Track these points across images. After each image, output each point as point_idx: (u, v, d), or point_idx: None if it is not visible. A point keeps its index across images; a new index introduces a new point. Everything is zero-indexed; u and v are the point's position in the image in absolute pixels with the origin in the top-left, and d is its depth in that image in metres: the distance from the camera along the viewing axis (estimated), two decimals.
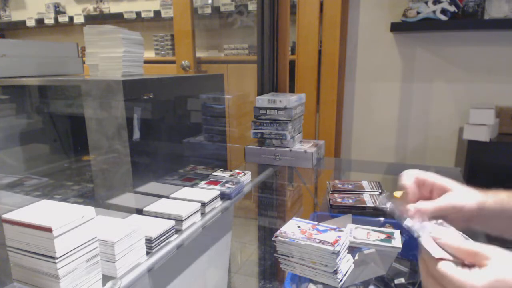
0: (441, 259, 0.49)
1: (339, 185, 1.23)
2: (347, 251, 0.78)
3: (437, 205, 0.62)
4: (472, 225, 0.65)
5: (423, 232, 0.56)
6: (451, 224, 0.61)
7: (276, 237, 0.77)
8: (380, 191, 1.19)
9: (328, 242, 0.73)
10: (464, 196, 0.64)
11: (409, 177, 0.67)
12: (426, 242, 0.52)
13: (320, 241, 0.74)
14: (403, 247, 0.80)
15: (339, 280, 0.72)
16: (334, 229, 0.80)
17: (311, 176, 1.59)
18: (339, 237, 0.76)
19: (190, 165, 1.27)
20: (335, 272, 0.72)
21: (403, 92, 2.37)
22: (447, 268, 0.47)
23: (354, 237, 0.83)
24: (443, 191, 0.65)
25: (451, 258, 0.49)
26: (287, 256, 0.77)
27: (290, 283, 0.80)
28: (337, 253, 0.71)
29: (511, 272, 0.45)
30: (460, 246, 0.49)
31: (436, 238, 0.52)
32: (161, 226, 0.82)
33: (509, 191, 0.65)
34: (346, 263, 0.76)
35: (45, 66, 1.37)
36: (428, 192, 0.67)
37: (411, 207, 0.63)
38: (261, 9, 1.69)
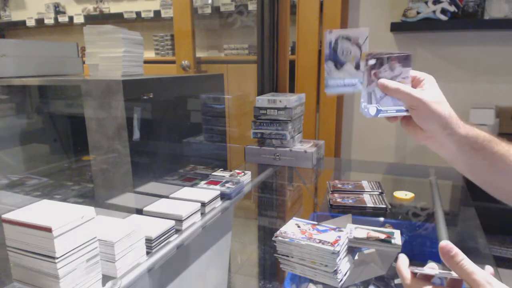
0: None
1: (339, 185, 1.24)
2: (347, 251, 0.78)
3: (409, 92, 0.67)
4: (431, 139, 0.70)
5: None
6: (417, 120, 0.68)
7: (276, 237, 0.77)
8: (380, 191, 1.19)
9: (328, 242, 0.73)
10: (439, 99, 0.69)
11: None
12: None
13: (320, 241, 0.74)
14: (403, 247, 0.80)
15: (339, 280, 0.72)
16: (334, 229, 0.80)
17: (311, 176, 1.59)
18: (339, 237, 0.76)
19: (190, 165, 1.27)
20: (335, 272, 0.72)
21: None
22: None
23: (354, 237, 0.83)
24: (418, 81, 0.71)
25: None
26: (287, 256, 0.77)
27: (290, 283, 0.80)
28: (337, 253, 0.72)
29: None
30: (461, 261, 0.49)
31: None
32: (161, 226, 0.82)
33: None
34: (346, 263, 0.76)
35: (45, 66, 1.37)
36: None
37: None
38: (261, 9, 1.69)
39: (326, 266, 0.72)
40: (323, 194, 1.34)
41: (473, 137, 0.66)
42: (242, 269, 1.32)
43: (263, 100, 1.48)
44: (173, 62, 3.00)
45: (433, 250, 0.89)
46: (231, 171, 1.21)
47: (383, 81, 0.69)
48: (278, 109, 1.46)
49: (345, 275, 0.75)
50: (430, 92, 0.68)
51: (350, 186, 1.22)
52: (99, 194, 1.06)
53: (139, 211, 0.92)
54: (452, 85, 2.26)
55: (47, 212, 0.63)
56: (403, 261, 0.56)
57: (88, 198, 1.18)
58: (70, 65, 1.48)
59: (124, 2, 3.55)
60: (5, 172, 1.28)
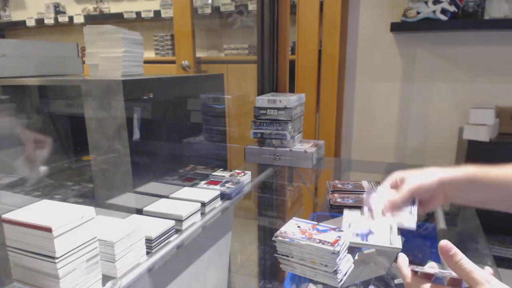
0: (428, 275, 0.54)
1: (339, 185, 1.24)
2: (347, 251, 0.78)
3: (400, 195, 0.74)
4: (448, 198, 0.74)
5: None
6: (429, 204, 0.76)
7: (276, 237, 0.77)
8: None
9: (328, 242, 0.73)
10: (420, 176, 0.74)
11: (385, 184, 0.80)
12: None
13: (320, 241, 0.74)
14: (403, 247, 0.80)
15: (339, 280, 0.72)
16: (334, 229, 0.80)
17: (311, 176, 1.59)
18: (339, 237, 0.76)
19: (190, 165, 1.27)
20: (335, 272, 0.72)
21: (403, 92, 2.37)
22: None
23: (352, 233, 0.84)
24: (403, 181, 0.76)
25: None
26: (287, 256, 0.77)
27: (290, 283, 0.80)
28: (337, 253, 0.72)
29: None
30: (460, 260, 0.50)
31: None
32: (161, 226, 0.82)
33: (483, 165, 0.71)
34: (346, 263, 0.76)
35: (45, 66, 1.37)
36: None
37: (382, 201, 0.76)
38: (261, 9, 1.69)
39: (326, 266, 0.72)
40: (323, 194, 1.33)
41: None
42: (242, 269, 1.32)
43: (263, 100, 1.48)
44: (173, 62, 3.00)
45: (433, 250, 0.89)
46: (231, 171, 1.21)
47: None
48: (278, 109, 1.46)
49: (345, 275, 0.75)
50: None
51: (350, 186, 1.22)
52: (99, 194, 1.06)
53: (139, 211, 0.92)
54: (452, 85, 2.26)
55: (47, 212, 0.63)
56: (403, 260, 0.57)
57: (88, 198, 1.18)
58: (70, 65, 1.48)
59: (124, 2, 3.55)
60: (5, 172, 1.28)
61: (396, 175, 0.79)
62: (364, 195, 0.82)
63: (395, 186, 0.78)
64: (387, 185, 0.79)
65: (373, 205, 0.77)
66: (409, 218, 0.76)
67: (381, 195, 0.78)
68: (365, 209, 0.80)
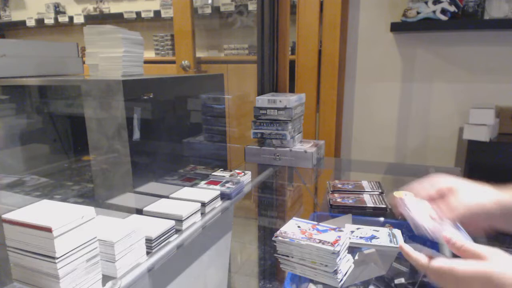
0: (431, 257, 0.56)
1: (339, 185, 1.24)
2: (347, 251, 0.78)
3: (455, 215, 0.63)
4: (494, 225, 0.64)
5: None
6: (473, 226, 0.64)
7: (276, 237, 0.77)
8: (380, 191, 1.19)
9: (328, 242, 0.73)
10: (474, 193, 0.64)
11: (432, 187, 0.70)
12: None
13: (320, 241, 0.74)
14: None
15: (339, 280, 0.72)
16: (334, 229, 0.80)
17: (311, 176, 1.59)
18: (339, 237, 0.76)
19: (190, 165, 1.27)
20: (335, 272, 0.72)
21: (403, 92, 2.37)
22: (440, 262, 0.54)
23: (355, 236, 0.83)
24: (449, 191, 0.67)
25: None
26: (287, 256, 0.77)
27: (290, 283, 0.80)
28: (337, 253, 0.72)
29: (503, 269, 0.47)
30: (463, 245, 0.55)
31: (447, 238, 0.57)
32: (161, 226, 0.82)
33: None
34: (346, 263, 0.76)
35: (45, 66, 1.37)
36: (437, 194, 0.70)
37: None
38: (261, 9, 1.69)
39: (326, 266, 0.72)
40: (323, 194, 1.33)
41: None
42: (242, 269, 1.32)
43: (263, 100, 1.48)
44: (173, 62, 3.00)
45: (434, 250, 0.88)
46: (231, 171, 1.21)
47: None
48: (278, 109, 1.46)
49: (345, 275, 0.75)
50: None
51: (350, 186, 1.22)
52: (99, 194, 1.06)
53: (139, 211, 0.92)
54: (452, 85, 2.26)
55: (47, 212, 0.63)
56: (408, 248, 0.60)
57: (88, 198, 1.18)
58: (70, 65, 1.48)
59: (124, 2, 3.55)
60: (5, 172, 1.28)
61: (441, 183, 0.68)
62: (406, 211, 0.68)
63: (439, 195, 0.68)
64: (428, 193, 0.68)
65: (423, 224, 0.64)
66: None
67: (424, 210, 0.66)
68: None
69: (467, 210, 0.62)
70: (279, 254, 0.78)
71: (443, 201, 0.67)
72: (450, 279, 0.51)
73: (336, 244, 0.73)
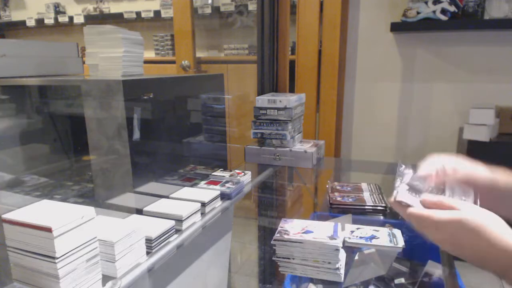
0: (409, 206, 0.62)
1: (338, 187, 1.23)
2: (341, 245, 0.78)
3: (456, 178, 0.69)
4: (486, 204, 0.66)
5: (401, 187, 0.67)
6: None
7: (275, 240, 0.77)
8: (379, 192, 1.19)
9: (329, 237, 0.74)
10: (474, 167, 0.70)
11: (430, 167, 0.73)
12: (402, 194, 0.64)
13: (321, 238, 0.74)
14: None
15: (342, 276, 0.73)
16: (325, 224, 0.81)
17: (311, 176, 1.59)
18: (335, 232, 0.76)
19: (190, 165, 1.27)
20: (338, 268, 0.73)
21: (403, 92, 2.37)
22: (420, 210, 0.60)
23: (355, 236, 0.83)
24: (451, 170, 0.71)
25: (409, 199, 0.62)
26: (288, 258, 0.77)
27: (290, 283, 0.80)
28: (339, 249, 0.72)
29: (472, 215, 0.55)
30: (437, 200, 0.60)
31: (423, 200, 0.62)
32: (161, 226, 0.82)
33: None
34: (343, 257, 0.77)
35: (45, 66, 1.37)
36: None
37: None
38: (261, 9, 1.69)
39: (329, 263, 0.73)
40: (323, 194, 1.34)
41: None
42: (242, 269, 1.32)
43: (263, 100, 1.48)
44: (173, 62, 3.00)
45: (433, 250, 0.89)
46: (231, 171, 1.21)
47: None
48: (278, 109, 1.46)
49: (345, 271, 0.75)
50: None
51: (349, 189, 1.22)
52: (99, 194, 1.06)
53: (139, 211, 0.92)
54: (452, 85, 2.26)
55: (47, 212, 0.63)
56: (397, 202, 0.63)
57: (88, 198, 1.18)
58: (70, 65, 1.48)
59: (124, 2, 3.55)
60: (5, 172, 1.28)
61: (444, 161, 0.71)
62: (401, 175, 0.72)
63: (442, 174, 0.70)
64: (431, 170, 0.71)
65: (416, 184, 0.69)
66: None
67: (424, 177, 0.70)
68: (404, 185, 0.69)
69: (467, 176, 0.69)
70: (278, 257, 0.77)
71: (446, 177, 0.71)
72: (430, 223, 0.58)
73: (337, 239, 0.73)
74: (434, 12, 2.06)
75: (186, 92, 1.31)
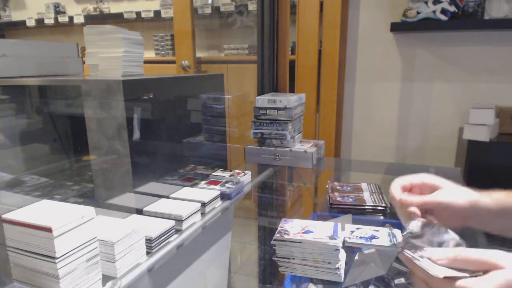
0: (447, 277, 0.49)
1: (338, 187, 1.23)
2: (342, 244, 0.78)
3: (422, 199, 0.66)
4: (469, 224, 0.66)
5: (420, 254, 0.57)
6: (444, 222, 0.64)
7: (275, 240, 0.77)
8: (379, 192, 1.19)
9: (329, 237, 0.74)
10: (453, 194, 0.66)
11: (395, 188, 0.71)
12: (426, 264, 0.53)
13: (321, 237, 0.74)
14: None
15: (342, 275, 0.73)
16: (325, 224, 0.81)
17: (311, 176, 1.59)
18: (335, 232, 0.76)
19: (190, 165, 1.27)
20: (338, 268, 0.73)
21: (403, 92, 2.37)
22: (463, 283, 0.47)
23: (355, 236, 0.83)
24: (433, 189, 0.68)
25: (456, 273, 0.49)
26: (288, 258, 0.77)
27: (290, 283, 0.80)
28: (339, 249, 0.72)
29: None
30: (467, 256, 0.50)
31: (436, 259, 0.53)
32: (161, 226, 0.82)
33: (507, 190, 0.66)
34: (343, 257, 0.77)
35: (45, 66, 1.37)
36: (419, 192, 0.71)
37: (397, 195, 0.68)
38: (261, 9, 1.69)
39: (329, 263, 0.73)
40: (323, 194, 1.34)
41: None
42: (242, 269, 1.32)
43: (263, 100, 1.48)
44: (173, 62, 3.00)
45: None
46: (231, 171, 1.21)
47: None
48: (278, 109, 1.46)
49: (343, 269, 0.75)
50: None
51: (349, 189, 1.22)
52: (99, 194, 1.06)
53: (139, 211, 0.92)
54: (452, 85, 2.26)
55: (47, 212, 0.63)
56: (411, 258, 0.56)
57: (88, 198, 1.18)
58: (70, 65, 1.48)
59: (124, 2, 3.55)
60: (5, 172, 1.28)
61: (426, 179, 0.70)
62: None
63: (407, 189, 0.71)
64: (406, 182, 0.71)
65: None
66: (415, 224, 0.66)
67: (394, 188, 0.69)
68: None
69: (435, 202, 0.65)
70: (278, 257, 0.77)
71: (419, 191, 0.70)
72: None
73: (337, 239, 0.73)
74: (434, 12, 2.06)
75: (186, 92, 1.31)
